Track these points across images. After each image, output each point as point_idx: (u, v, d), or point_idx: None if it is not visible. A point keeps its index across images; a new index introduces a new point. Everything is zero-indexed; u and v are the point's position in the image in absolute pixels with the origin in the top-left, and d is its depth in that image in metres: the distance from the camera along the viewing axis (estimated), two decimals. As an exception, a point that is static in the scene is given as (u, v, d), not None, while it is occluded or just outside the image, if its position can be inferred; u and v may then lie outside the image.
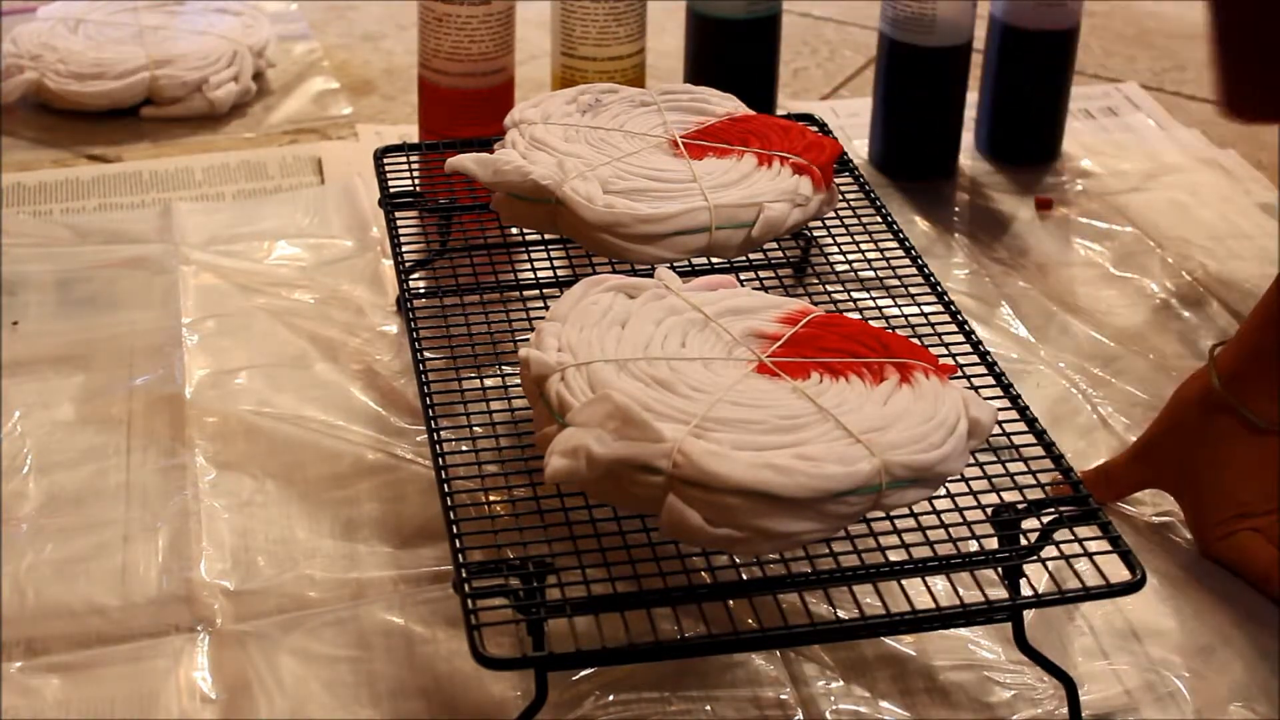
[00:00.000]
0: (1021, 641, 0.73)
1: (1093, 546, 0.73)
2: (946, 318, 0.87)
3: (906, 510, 0.75)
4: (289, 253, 1.07)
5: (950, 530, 0.75)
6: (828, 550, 0.75)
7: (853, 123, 1.27)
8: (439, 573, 0.82)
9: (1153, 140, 1.27)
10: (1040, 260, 1.10)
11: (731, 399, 0.72)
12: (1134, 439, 0.89)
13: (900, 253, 0.93)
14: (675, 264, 0.88)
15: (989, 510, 0.75)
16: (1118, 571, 0.71)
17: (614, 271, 0.88)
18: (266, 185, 1.17)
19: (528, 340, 0.77)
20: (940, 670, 0.77)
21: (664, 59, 1.34)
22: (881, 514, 0.74)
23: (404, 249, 0.93)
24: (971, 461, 0.76)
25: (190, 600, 0.80)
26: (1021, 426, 0.79)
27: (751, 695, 0.75)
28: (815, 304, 0.83)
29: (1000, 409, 0.78)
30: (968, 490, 0.76)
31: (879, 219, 0.96)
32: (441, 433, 0.78)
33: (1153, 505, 0.87)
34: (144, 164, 1.19)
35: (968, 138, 1.22)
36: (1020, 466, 0.78)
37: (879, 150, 1.20)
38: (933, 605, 0.73)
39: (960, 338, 0.86)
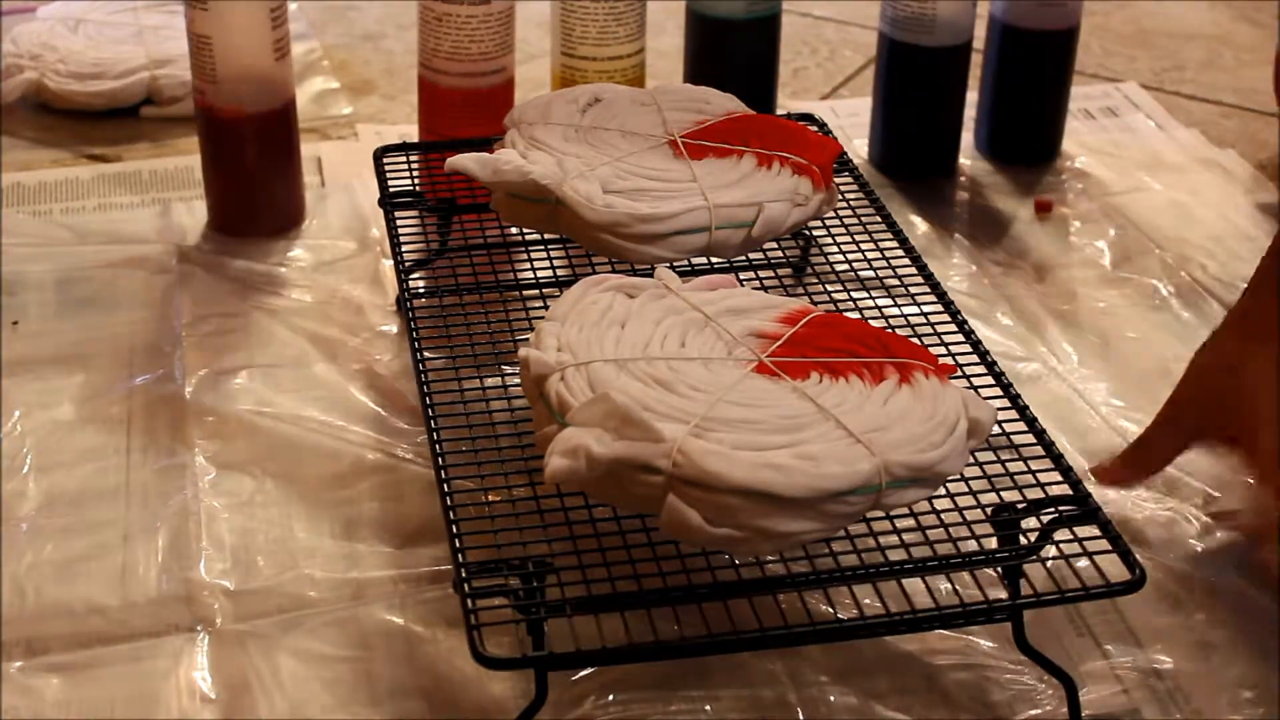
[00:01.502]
0: (1021, 641, 0.73)
1: (1092, 546, 0.72)
2: (946, 318, 0.87)
3: (906, 510, 0.75)
4: (289, 253, 1.07)
5: (950, 530, 0.75)
6: (828, 550, 0.75)
7: (853, 123, 1.27)
8: (439, 573, 0.82)
9: (1152, 140, 1.27)
10: (1040, 260, 1.10)
11: (731, 399, 0.72)
12: (1134, 439, 0.88)
13: (900, 253, 0.93)
14: (675, 264, 0.88)
15: (989, 510, 0.75)
16: (1117, 571, 0.71)
17: (614, 271, 0.88)
18: (266, 185, 1.17)
19: (528, 340, 0.77)
20: (940, 670, 0.77)
21: (664, 59, 1.34)
22: (881, 514, 0.74)
23: (404, 249, 0.93)
24: (971, 461, 0.76)
25: (190, 600, 0.80)
26: (1021, 426, 0.79)
27: (751, 695, 0.75)
28: (815, 304, 0.83)
29: (1000, 409, 0.78)
30: (968, 490, 0.76)
31: (879, 219, 0.96)
32: (441, 433, 0.78)
33: (1153, 505, 0.87)
34: (144, 164, 1.19)
35: (967, 137, 1.22)
36: (1020, 466, 0.78)
37: (879, 150, 1.20)
38: (933, 605, 0.73)
39: (960, 338, 0.86)
